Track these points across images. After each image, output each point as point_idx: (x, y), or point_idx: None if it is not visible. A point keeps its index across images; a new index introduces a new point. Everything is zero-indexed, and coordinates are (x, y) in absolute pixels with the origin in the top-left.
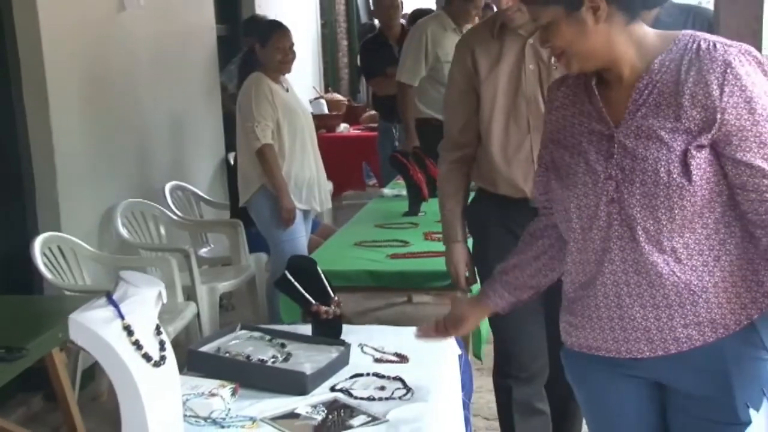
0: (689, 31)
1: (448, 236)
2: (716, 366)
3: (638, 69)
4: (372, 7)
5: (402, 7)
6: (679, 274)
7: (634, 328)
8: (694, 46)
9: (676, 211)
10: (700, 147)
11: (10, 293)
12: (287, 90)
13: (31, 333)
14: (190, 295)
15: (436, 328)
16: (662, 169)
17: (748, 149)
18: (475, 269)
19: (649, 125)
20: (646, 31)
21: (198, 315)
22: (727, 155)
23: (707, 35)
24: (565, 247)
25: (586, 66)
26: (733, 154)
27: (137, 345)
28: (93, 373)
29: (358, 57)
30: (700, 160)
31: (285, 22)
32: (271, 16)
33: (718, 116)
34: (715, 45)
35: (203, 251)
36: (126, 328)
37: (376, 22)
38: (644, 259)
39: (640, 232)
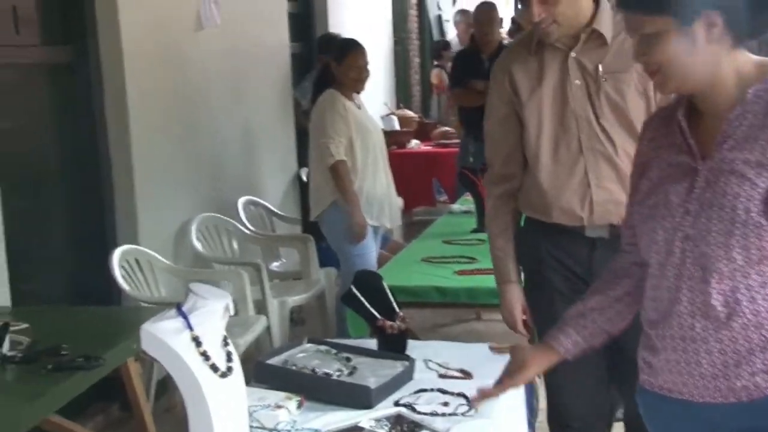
0: None
1: (501, 277)
2: None
3: (733, 98)
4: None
5: (501, 23)
6: (750, 317)
7: (701, 374)
8: None
9: (752, 252)
10: None
11: (89, 304)
12: (359, 107)
13: (108, 343)
14: (260, 308)
15: (496, 385)
16: (741, 206)
17: None
18: None
19: (734, 158)
20: (746, 58)
21: (268, 328)
22: None
23: None
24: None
25: (684, 87)
26: None
27: (205, 356)
28: (167, 384)
29: (450, 65)
30: None
31: (359, 40)
32: (345, 34)
33: None
34: None
35: (274, 265)
36: (194, 339)
37: (450, 38)
38: (713, 301)
39: (712, 272)
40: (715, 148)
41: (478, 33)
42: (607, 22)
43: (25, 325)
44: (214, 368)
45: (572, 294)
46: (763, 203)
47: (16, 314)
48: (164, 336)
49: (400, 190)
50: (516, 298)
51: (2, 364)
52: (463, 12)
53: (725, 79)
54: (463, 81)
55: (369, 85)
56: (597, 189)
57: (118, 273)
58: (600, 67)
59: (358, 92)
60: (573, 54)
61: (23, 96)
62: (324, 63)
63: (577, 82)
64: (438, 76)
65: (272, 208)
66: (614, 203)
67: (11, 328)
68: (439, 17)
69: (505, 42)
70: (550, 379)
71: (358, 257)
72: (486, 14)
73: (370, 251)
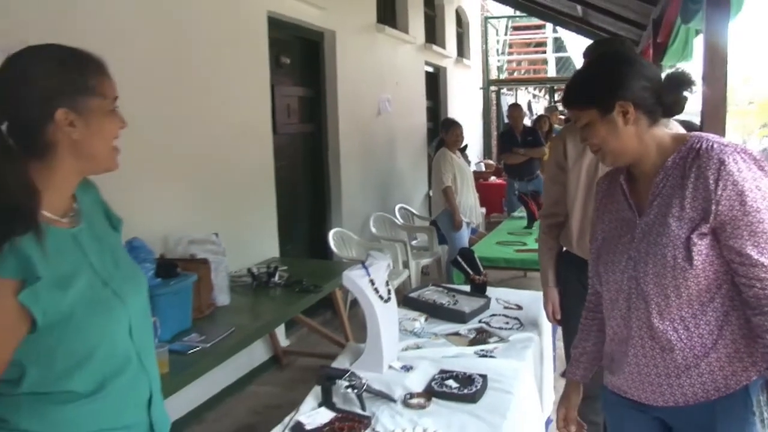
0: (697, 133)
1: (544, 282)
2: (710, 421)
3: (657, 165)
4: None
5: (525, 115)
6: (685, 341)
7: (650, 383)
8: (698, 146)
9: (682, 290)
10: (702, 235)
11: (317, 258)
12: (459, 157)
13: (326, 279)
14: (405, 265)
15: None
16: (669, 253)
17: (739, 237)
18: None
19: (662, 213)
20: (664, 133)
21: (409, 276)
22: (723, 242)
23: (711, 136)
24: None
25: (619, 160)
26: (726, 241)
27: (376, 290)
28: (355, 301)
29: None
30: (702, 247)
31: (462, 120)
32: (456, 117)
33: (713, 207)
34: (713, 145)
35: (414, 242)
36: (371, 281)
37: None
38: (656, 328)
39: (653, 306)
40: (648, 205)
41: (512, 121)
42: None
43: (284, 267)
44: (381, 297)
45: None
46: (685, 250)
47: (281, 261)
48: (355, 278)
49: (483, 204)
50: (553, 298)
51: (274, 287)
52: (512, 105)
53: (649, 151)
54: (508, 148)
55: (471, 145)
56: None
57: (332, 242)
58: None
59: (458, 148)
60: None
61: (293, 147)
62: (440, 133)
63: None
64: None
65: (413, 210)
66: None
67: (279, 268)
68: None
69: (528, 125)
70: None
71: (457, 239)
72: (516, 110)
73: (464, 236)
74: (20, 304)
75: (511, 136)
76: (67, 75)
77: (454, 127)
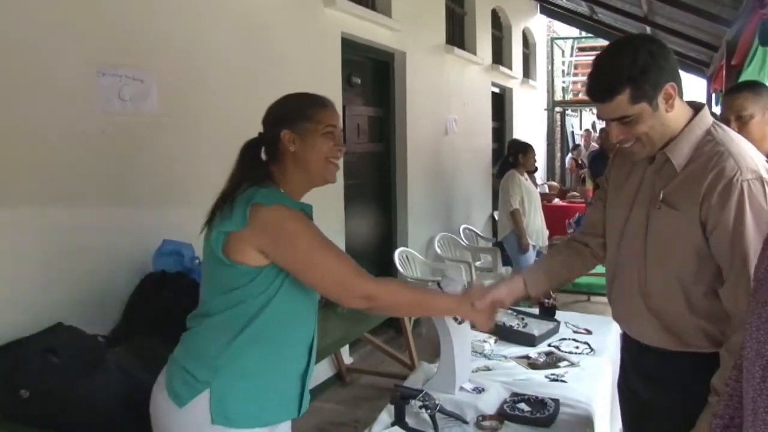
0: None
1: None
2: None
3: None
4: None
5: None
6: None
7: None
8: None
9: None
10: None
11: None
12: (527, 179)
13: None
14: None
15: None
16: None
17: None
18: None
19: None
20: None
21: None
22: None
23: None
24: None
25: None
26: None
27: None
28: (419, 320)
29: (587, 161)
30: None
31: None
32: (522, 138)
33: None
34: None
35: (478, 263)
36: None
37: (578, 142)
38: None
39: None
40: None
41: (605, 143)
42: (684, 148)
43: None
44: (455, 318)
45: None
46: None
47: None
48: None
49: (547, 226)
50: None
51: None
52: (586, 130)
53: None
54: (601, 171)
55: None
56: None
57: (397, 262)
58: (661, 194)
59: (528, 171)
60: (649, 171)
61: (362, 166)
62: (510, 153)
63: (642, 198)
64: (571, 163)
65: (478, 231)
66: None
67: None
68: (572, 132)
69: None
70: None
71: (523, 261)
72: (607, 132)
73: (531, 259)
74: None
75: (602, 157)
76: (292, 107)
77: (530, 151)
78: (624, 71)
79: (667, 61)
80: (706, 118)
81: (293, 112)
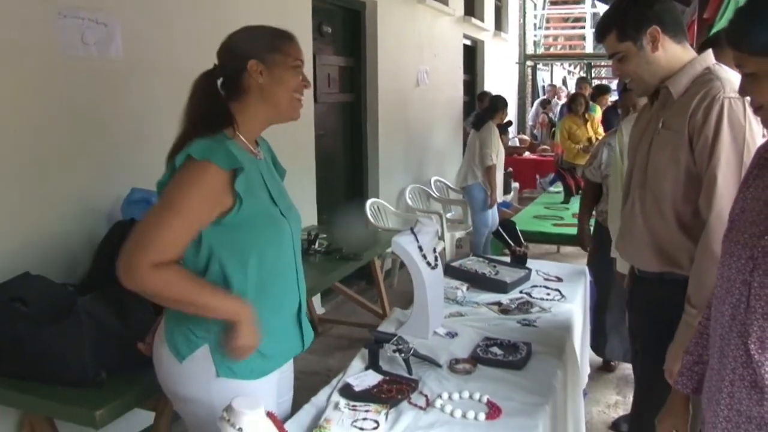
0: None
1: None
2: None
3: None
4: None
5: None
6: None
7: None
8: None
9: None
10: None
11: (354, 228)
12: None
13: (364, 248)
14: (440, 237)
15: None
16: None
17: None
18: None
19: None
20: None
21: (444, 249)
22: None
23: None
24: None
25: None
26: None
27: (424, 256)
28: (393, 271)
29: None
30: None
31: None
32: (493, 91)
33: None
34: None
35: (449, 215)
36: (419, 247)
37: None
38: (753, 359)
39: (754, 328)
40: None
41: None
42: (683, 80)
43: (324, 235)
44: (428, 264)
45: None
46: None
47: (319, 229)
48: (404, 244)
49: (517, 179)
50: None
51: (314, 254)
52: (551, 85)
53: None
54: (614, 123)
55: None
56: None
57: (368, 212)
58: (661, 121)
59: (504, 126)
60: (655, 108)
61: (333, 116)
62: (481, 108)
63: (649, 131)
64: (543, 117)
65: (449, 183)
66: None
67: (319, 236)
68: (543, 86)
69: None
70: None
71: (485, 215)
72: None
73: (494, 213)
74: (230, 188)
75: (617, 113)
76: (259, 38)
77: (506, 107)
78: (612, 16)
79: (650, 8)
80: (708, 57)
81: (261, 43)
